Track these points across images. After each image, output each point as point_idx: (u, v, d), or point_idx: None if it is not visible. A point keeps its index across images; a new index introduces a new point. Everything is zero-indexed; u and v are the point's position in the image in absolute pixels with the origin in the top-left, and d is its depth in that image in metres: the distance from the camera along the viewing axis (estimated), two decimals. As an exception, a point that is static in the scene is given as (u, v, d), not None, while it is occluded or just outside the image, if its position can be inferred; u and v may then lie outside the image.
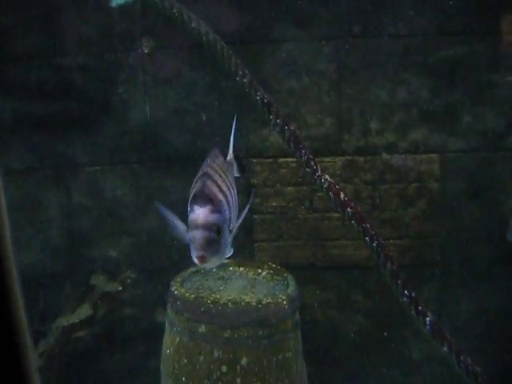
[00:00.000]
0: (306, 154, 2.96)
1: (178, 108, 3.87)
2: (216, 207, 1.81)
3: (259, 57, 3.79)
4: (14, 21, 3.80)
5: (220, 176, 1.95)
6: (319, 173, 2.93)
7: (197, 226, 1.78)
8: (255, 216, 3.91)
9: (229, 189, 1.95)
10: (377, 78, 3.80)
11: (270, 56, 3.80)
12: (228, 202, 1.89)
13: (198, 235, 1.77)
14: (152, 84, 3.86)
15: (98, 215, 3.98)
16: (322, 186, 2.95)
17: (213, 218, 1.79)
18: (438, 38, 3.75)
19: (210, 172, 1.92)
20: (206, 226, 1.78)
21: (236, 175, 2.21)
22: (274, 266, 3.56)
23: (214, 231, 1.78)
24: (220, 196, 1.86)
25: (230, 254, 1.94)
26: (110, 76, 3.87)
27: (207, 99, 3.84)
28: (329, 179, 2.94)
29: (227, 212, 1.86)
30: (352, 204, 2.93)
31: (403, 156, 3.83)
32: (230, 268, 3.55)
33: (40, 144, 3.90)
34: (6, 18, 3.79)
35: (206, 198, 1.81)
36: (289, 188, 3.88)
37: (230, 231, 1.90)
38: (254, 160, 3.88)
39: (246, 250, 3.90)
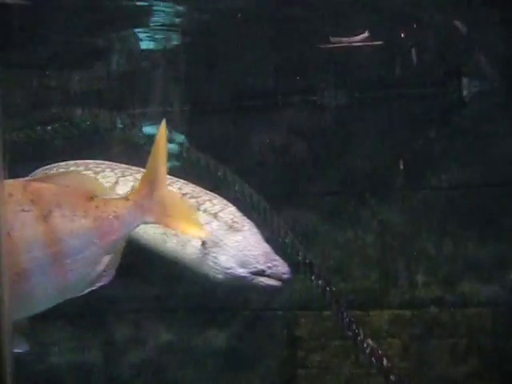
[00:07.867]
0: (347, 317, 2.92)
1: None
2: None
3: (302, 208, 3.85)
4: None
5: None
6: (361, 337, 2.88)
7: None
8: (299, 370, 3.81)
9: None
10: (421, 230, 3.78)
11: (313, 208, 3.85)
12: None
13: None
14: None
15: None
16: (365, 351, 2.88)
17: None
18: (481, 189, 3.76)
19: None
20: None
21: None
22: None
23: None
24: None
25: None
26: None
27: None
28: (371, 344, 2.87)
29: None
30: (396, 371, 2.84)
31: (452, 310, 3.74)
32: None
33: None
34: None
35: None
36: (334, 342, 3.79)
37: None
38: (299, 312, 3.84)
39: (288, 405, 3.78)
